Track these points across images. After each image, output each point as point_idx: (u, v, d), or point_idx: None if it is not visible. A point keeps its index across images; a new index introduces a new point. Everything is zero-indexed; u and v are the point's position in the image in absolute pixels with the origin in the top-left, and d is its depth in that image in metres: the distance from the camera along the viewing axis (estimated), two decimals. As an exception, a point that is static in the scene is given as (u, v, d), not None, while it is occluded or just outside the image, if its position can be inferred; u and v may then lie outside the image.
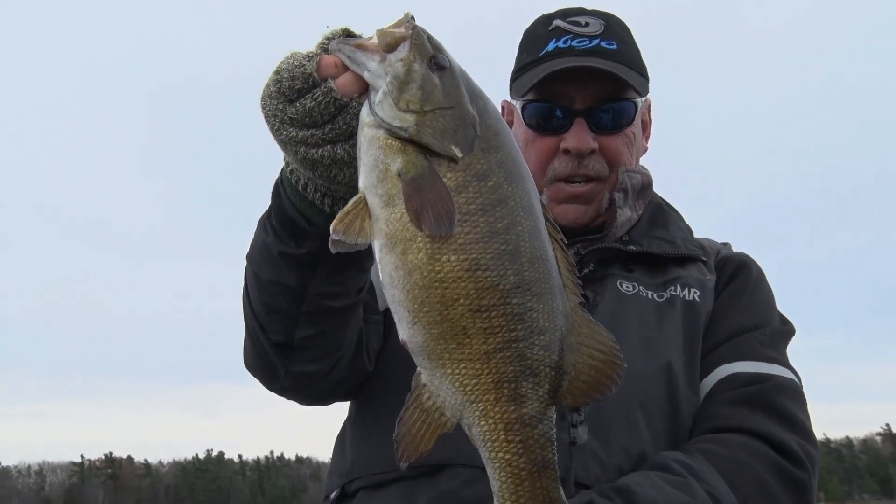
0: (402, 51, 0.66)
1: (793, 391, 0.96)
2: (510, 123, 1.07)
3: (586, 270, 1.00)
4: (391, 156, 0.64)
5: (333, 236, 0.63)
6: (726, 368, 0.97)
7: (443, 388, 0.64)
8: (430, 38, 0.67)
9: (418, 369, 0.65)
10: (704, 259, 1.06)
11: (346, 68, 0.68)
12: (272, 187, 0.80)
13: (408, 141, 0.64)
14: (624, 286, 1.00)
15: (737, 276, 1.05)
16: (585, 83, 1.00)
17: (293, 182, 0.76)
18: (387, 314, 0.99)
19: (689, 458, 0.87)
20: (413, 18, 0.67)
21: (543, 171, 1.02)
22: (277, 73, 0.70)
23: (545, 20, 1.07)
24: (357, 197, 0.65)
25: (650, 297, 1.00)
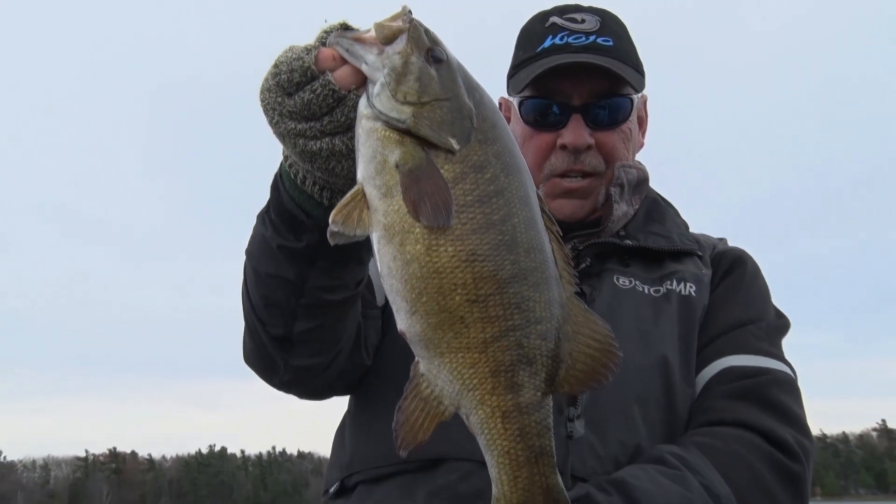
0: (400, 43, 0.66)
1: (788, 385, 0.97)
2: (507, 120, 1.08)
3: (583, 265, 1.00)
4: (389, 147, 0.64)
5: (332, 227, 0.63)
6: (722, 362, 0.97)
7: (441, 377, 0.64)
8: (426, 31, 0.68)
9: (416, 358, 0.66)
10: (700, 254, 1.06)
11: (344, 61, 0.69)
12: (271, 181, 0.81)
13: (405, 132, 0.64)
14: (620, 281, 1.01)
15: (732, 270, 1.06)
16: (582, 79, 1.01)
17: (292, 175, 0.77)
18: (385, 309, 0.99)
19: (684, 451, 0.88)
20: (410, 12, 0.68)
21: (540, 167, 1.03)
22: (276, 66, 0.71)
23: (542, 17, 1.07)
24: (355, 188, 0.65)
25: (646, 291, 1.00)
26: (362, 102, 0.67)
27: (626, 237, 1.04)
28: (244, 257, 0.88)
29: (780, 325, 1.05)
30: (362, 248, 0.81)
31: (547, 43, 1.03)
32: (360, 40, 0.68)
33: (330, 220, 0.64)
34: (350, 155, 0.70)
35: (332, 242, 0.65)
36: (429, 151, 0.64)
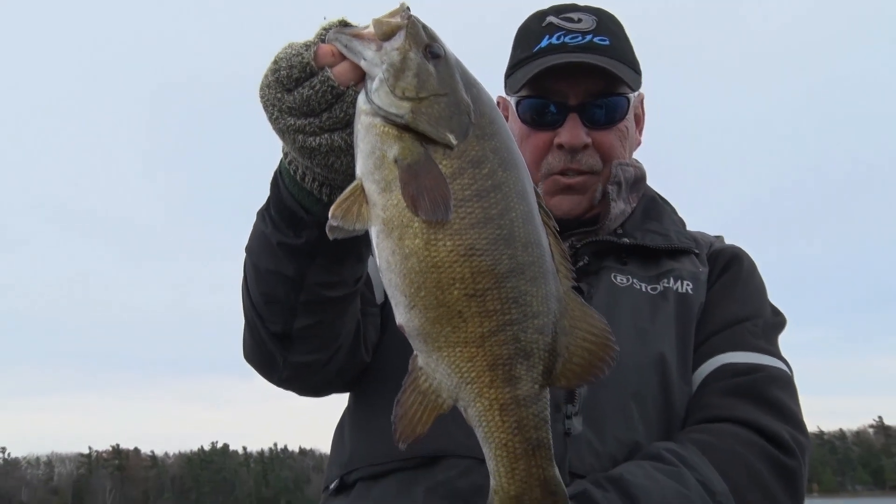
0: (398, 40, 0.67)
1: (784, 381, 0.97)
2: (505, 119, 1.09)
3: (581, 263, 1.01)
4: (388, 142, 0.65)
5: (331, 221, 0.64)
6: (719, 359, 0.98)
7: (439, 371, 0.65)
8: (424, 27, 0.68)
9: (415, 352, 0.66)
10: (697, 251, 1.07)
11: (343, 57, 0.69)
12: (271, 178, 0.81)
13: (404, 128, 0.65)
14: (618, 279, 1.01)
15: (729, 268, 1.07)
16: (578, 79, 1.01)
17: (291, 172, 0.77)
18: (384, 307, 0.99)
19: (681, 447, 0.88)
20: (408, 8, 0.69)
21: (538, 166, 1.04)
22: (275, 62, 0.71)
23: (539, 16, 1.08)
24: (354, 183, 0.66)
25: (644, 289, 1.01)
26: (361, 98, 0.67)
27: (623, 235, 1.05)
28: (244, 254, 0.88)
29: (777, 322, 1.05)
30: (361, 245, 0.81)
31: (544, 42, 1.03)
32: (358, 36, 0.68)
33: (329, 215, 0.64)
34: (349, 151, 0.70)
35: (331, 237, 0.65)
36: (427, 147, 0.64)
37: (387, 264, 0.65)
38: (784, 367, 0.99)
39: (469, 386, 0.64)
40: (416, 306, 0.64)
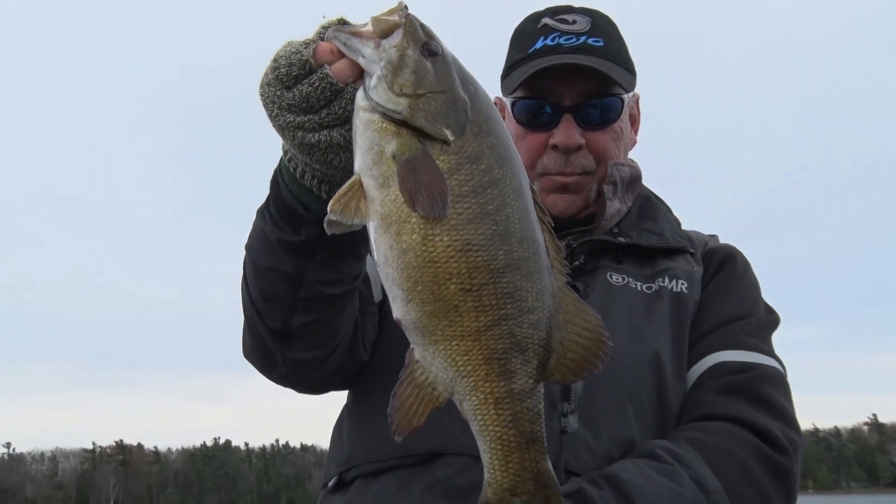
0: (396, 37, 0.67)
1: (777, 380, 0.98)
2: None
3: (577, 262, 1.02)
4: (386, 138, 0.65)
5: (330, 216, 0.64)
6: (713, 358, 0.98)
7: (435, 364, 0.66)
8: (422, 25, 0.69)
9: (411, 346, 0.67)
10: (692, 251, 1.08)
11: (342, 54, 0.70)
12: (270, 177, 0.82)
13: (402, 124, 0.65)
14: (613, 278, 1.02)
15: (723, 267, 1.07)
16: (573, 80, 1.02)
17: (291, 170, 0.78)
18: (382, 305, 1.00)
19: (675, 445, 0.89)
20: (406, 7, 0.69)
21: (533, 167, 1.04)
22: (275, 60, 0.72)
23: (534, 18, 1.09)
24: (353, 178, 0.66)
25: (639, 288, 1.02)
26: (359, 95, 0.68)
27: (619, 234, 1.06)
28: (244, 252, 0.89)
29: (770, 320, 1.06)
30: (360, 243, 0.82)
31: (539, 44, 1.04)
32: (357, 34, 0.69)
33: (328, 209, 0.65)
34: (348, 147, 0.71)
35: (329, 231, 0.66)
36: (425, 142, 0.65)
37: (384, 259, 0.66)
38: (777, 365, 1.00)
39: (465, 379, 0.65)
40: (413, 300, 0.65)
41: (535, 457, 0.66)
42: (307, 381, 0.96)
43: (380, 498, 0.92)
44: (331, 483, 1.00)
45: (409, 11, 0.69)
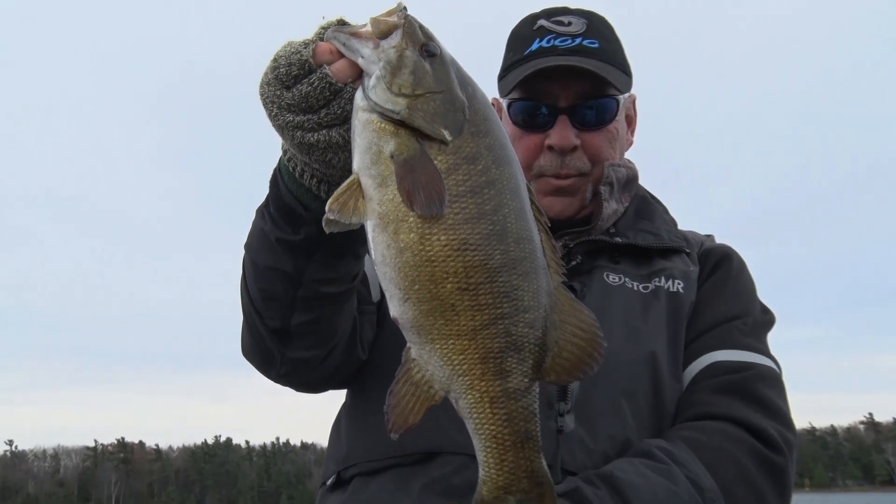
0: (395, 38, 0.68)
1: (772, 379, 0.98)
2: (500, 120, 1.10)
3: (574, 262, 1.02)
4: (384, 138, 0.66)
5: (328, 215, 0.65)
6: (708, 357, 0.99)
7: (431, 363, 0.66)
8: (421, 26, 0.69)
9: (408, 344, 0.68)
10: (688, 251, 1.08)
11: (341, 55, 0.70)
12: (270, 176, 0.82)
13: (400, 124, 0.66)
14: (610, 278, 1.02)
15: (719, 267, 1.08)
16: (568, 81, 1.03)
17: (290, 169, 0.78)
18: (380, 305, 1.00)
19: (671, 445, 0.89)
20: (405, 8, 0.70)
21: (530, 168, 1.05)
22: (275, 60, 0.72)
23: (530, 20, 1.09)
24: (351, 178, 0.67)
25: (636, 288, 1.02)
26: (358, 95, 0.68)
27: (615, 234, 1.06)
28: (243, 251, 0.89)
29: (766, 320, 1.06)
30: (358, 242, 0.82)
31: (534, 46, 1.05)
32: (356, 35, 0.69)
33: (326, 208, 0.65)
34: (346, 147, 0.71)
35: (327, 230, 0.66)
36: (423, 142, 0.65)
37: (382, 258, 0.66)
38: (773, 364, 1.00)
39: (461, 378, 0.66)
40: (410, 299, 0.65)
41: (530, 455, 0.67)
42: (305, 380, 0.97)
43: (378, 496, 0.92)
44: (329, 482, 1.00)
45: (408, 12, 0.69)
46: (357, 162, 0.67)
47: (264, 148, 0.78)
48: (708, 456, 0.88)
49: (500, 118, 1.10)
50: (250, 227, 0.88)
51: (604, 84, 1.03)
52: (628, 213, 1.10)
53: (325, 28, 0.72)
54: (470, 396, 0.66)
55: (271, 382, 0.98)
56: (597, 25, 1.07)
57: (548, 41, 1.04)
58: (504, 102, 1.09)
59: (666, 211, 1.15)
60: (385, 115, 0.66)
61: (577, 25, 1.05)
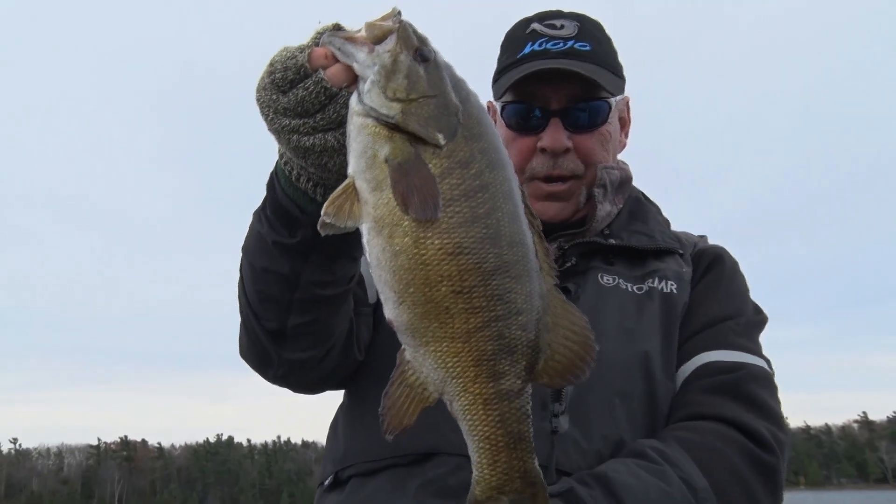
0: (389, 43, 0.68)
1: (764, 379, 0.99)
2: (493, 122, 1.11)
3: (568, 264, 1.03)
4: (379, 142, 0.66)
5: (324, 218, 0.65)
6: (701, 358, 1.00)
7: (426, 365, 0.67)
8: (415, 31, 0.70)
9: (402, 346, 0.68)
10: (681, 252, 1.09)
11: (336, 59, 0.71)
12: (267, 180, 0.83)
13: (394, 128, 0.66)
14: (604, 279, 1.03)
15: (712, 268, 1.09)
16: (560, 84, 1.03)
17: (287, 173, 0.79)
18: (377, 306, 1.01)
19: (664, 445, 0.90)
20: (400, 13, 0.70)
21: (523, 170, 1.06)
22: (271, 65, 0.73)
23: (523, 24, 1.10)
24: (346, 181, 0.67)
25: (630, 289, 1.03)
26: (353, 99, 0.69)
27: (610, 236, 1.07)
28: (241, 254, 0.90)
29: (758, 320, 1.07)
30: (354, 245, 0.83)
31: (527, 49, 1.06)
32: (351, 40, 0.70)
33: (322, 212, 0.66)
34: (342, 150, 0.72)
35: (322, 233, 0.67)
36: (417, 146, 0.66)
37: (377, 261, 0.67)
38: (765, 364, 1.01)
39: (454, 380, 0.66)
40: (404, 302, 0.66)
41: (523, 456, 0.67)
42: (302, 381, 0.98)
43: (375, 497, 0.93)
44: (327, 482, 1.01)
45: (403, 17, 0.70)
46: (352, 166, 0.68)
47: (264, 148, 0.79)
48: (701, 456, 0.89)
49: (495, 121, 1.09)
50: (248, 229, 0.89)
51: (595, 87, 1.04)
52: (622, 214, 1.11)
53: (320, 33, 0.72)
54: (464, 398, 0.67)
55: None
56: (589, 28, 1.08)
57: (540, 44, 1.05)
58: (498, 105, 1.10)
59: (659, 212, 1.15)
60: (380, 120, 0.67)
61: (569, 29, 1.06)
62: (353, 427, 1.00)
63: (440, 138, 0.66)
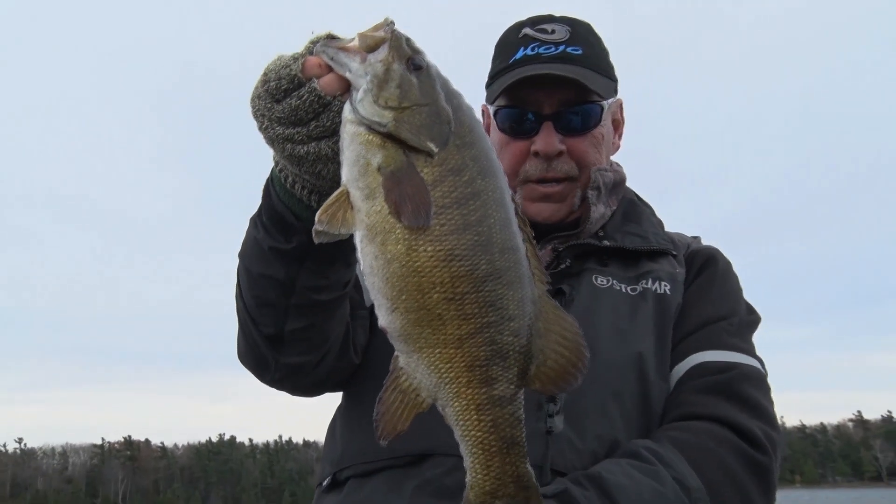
0: (382, 52, 0.69)
1: (757, 379, 0.99)
2: (487, 127, 1.11)
3: (563, 266, 1.04)
4: (372, 151, 0.67)
5: (317, 226, 0.66)
6: (695, 358, 1.00)
7: (419, 371, 0.67)
8: (407, 40, 0.70)
9: (396, 352, 0.69)
10: (675, 253, 1.10)
11: (330, 69, 0.72)
12: (263, 187, 0.84)
13: (387, 136, 0.67)
14: (599, 280, 1.04)
15: (705, 268, 1.09)
16: (552, 88, 1.04)
17: (282, 180, 0.80)
18: (373, 310, 1.01)
19: (658, 445, 0.90)
20: (392, 22, 0.71)
21: (516, 173, 1.06)
22: (265, 74, 0.74)
23: (516, 28, 1.11)
24: (340, 190, 0.68)
25: (623, 290, 1.03)
26: (346, 108, 0.70)
27: (604, 238, 1.08)
28: (238, 259, 0.91)
29: (751, 320, 1.07)
30: (349, 251, 0.83)
31: (519, 54, 1.06)
32: (344, 49, 0.71)
33: (315, 220, 0.66)
34: (335, 158, 0.72)
35: (316, 241, 0.67)
36: (409, 155, 0.66)
37: (370, 268, 0.67)
38: (758, 364, 1.02)
39: (447, 386, 0.67)
40: (397, 309, 0.66)
41: (516, 460, 0.68)
42: (300, 384, 0.99)
43: (372, 497, 0.94)
44: (325, 483, 1.02)
45: (395, 27, 0.70)
46: (345, 174, 0.69)
47: (264, 149, 0.79)
48: (694, 456, 0.89)
49: (489, 125, 1.10)
50: (244, 235, 0.90)
51: (587, 90, 1.04)
52: (616, 216, 1.11)
53: (314, 42, 0.73)
54: (456, 404, 0.67)
55: (269, 384, 0.99)
56: (580, 32, 1.08)
57: (532, 49, 1.05)
58: (491, 109, 1.11)
59: (653, 213, 1.16)
60: (372, 128, 0.67)
61: (561, 33, 1.06)
62: (351, 429, 1.01)
63: (432, 146, 0.67)
